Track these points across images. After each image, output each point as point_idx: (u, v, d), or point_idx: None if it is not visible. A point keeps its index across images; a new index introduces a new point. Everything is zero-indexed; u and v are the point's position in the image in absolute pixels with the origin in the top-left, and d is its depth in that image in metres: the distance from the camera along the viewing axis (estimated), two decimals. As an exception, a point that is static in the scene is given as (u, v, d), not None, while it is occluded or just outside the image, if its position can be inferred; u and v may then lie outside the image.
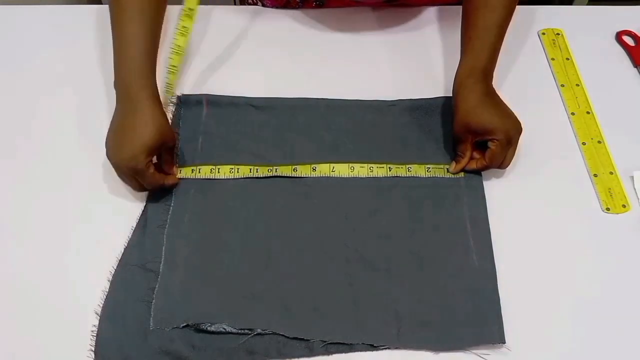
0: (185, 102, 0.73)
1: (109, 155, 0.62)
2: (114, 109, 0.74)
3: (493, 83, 0.68)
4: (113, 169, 0.63)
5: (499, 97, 0.67)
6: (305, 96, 0.73)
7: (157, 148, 0.62)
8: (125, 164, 0.61)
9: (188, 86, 0.75)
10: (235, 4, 0.86)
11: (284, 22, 0.82)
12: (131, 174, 0.62)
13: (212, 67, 0.77)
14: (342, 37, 0.81)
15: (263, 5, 0.86)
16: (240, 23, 0.82)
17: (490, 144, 0.64)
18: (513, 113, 0.66)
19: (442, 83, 0.76)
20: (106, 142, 0.63)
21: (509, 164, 0.66)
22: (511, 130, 0.64)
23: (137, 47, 0.65)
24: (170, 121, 0.71)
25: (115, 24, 0.67)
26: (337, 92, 0.74)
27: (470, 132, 0.65)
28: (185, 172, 0.66)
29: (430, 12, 0.84)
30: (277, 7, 0.84)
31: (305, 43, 0.80)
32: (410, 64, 0.78)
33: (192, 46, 0.80)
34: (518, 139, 0.65)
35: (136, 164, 0.60)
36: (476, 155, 0.66)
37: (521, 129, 0.65)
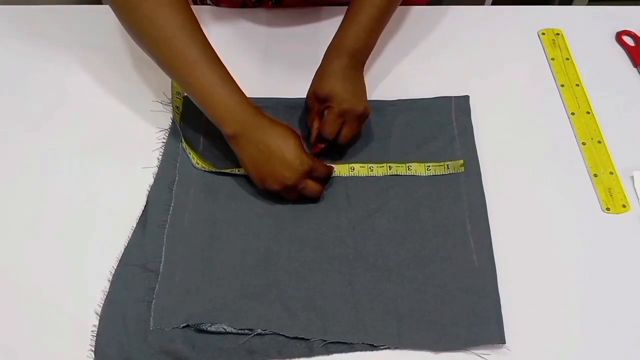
0: (186, 102, 0.73)
1: (270, 184, 0.62)
2: (114, 109, 0.74)
3: (491, 80, 0.67)
4: (111, 172, 0.63)
5: (359, 77, 0.67)
6: (305, 96, 0.73)
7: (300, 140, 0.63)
8: (297, 177, 0.61)
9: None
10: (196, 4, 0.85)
11: (280, 22, 0.83)
12: (302, 181, 0.62)
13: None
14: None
15: (217, 6, 0.85)
16: (240, 23, 0.82)
17: (325, 111, 0.65)
18: (364, 95, 0.66)
19: (442, 83, 0.76)
20: (258, 179, 0.62)
21: (345, 140, 0.66)
22: (347, 104, 0.64)
23: (217, 78, 0.62)
24: (170, 121, 0.71)
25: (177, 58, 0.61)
26: (337, 92, 0.74)
27: (316, 100, 0.66)
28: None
29: (431, 12, 0.84)
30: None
31: (306, 43, 0.80)
32: (411, 63, 0.78)
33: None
34: (356, 118, 0.65)
35: (305, 169, 0.61)
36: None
37: (363, 111, 0.65)
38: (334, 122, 0.65)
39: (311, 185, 0.63)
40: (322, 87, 0.65)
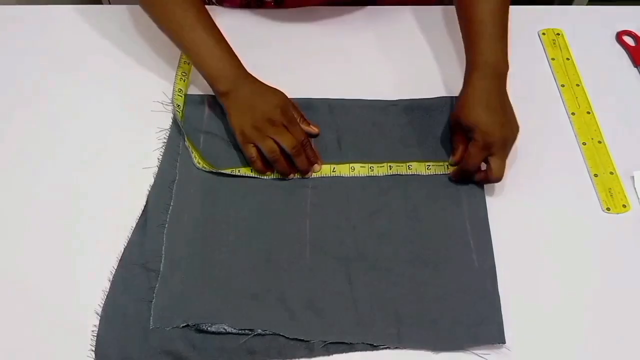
0: (187, 102, 0.73)
1: (249, 130, 0.65)
2: (114, 108, 0.74)
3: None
4: (111, 172, 0.63)
5: (504, 99, 0.65)
6: (306, 96, 0.73)
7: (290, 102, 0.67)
8: (278, 112, 0.65)
9: (189, 86, 0.75)
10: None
11: (282, 22, 0.83)
12: (284, 124, 0.65)
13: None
14: (342, 37, 0.81)
15: (220, 5, 0.85)
16: (240, 24, 0.82)
17: (469, 144, 0.63)
18: (512, 121, 0.64)
19: (442, 83, 0.76)
20: (239, 131, 0.66)
21: (497, 176, 0.62)
22: (493, 136, 0.61)
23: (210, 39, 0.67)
24: (171, 121, 0.71)
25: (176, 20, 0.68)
26: (337, 92, 0.74)
27: (459, 127, 0.65)
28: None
29: (431, 11, 0.84)
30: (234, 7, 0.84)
31: (306, 43, 0.80)
32: (411, 64, 0.78)
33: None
34: (503, 148, 0.62)
35: (287, 108, 0.65)
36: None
37: (510, 139, 0.63)
38: (477, 155, 0.62)
39: (285, 137, 0.64)
40: (466, 115, 0.63)
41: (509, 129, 0.63)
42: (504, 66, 0.65)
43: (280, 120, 0.65)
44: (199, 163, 0.66)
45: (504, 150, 0.63)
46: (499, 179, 0.63)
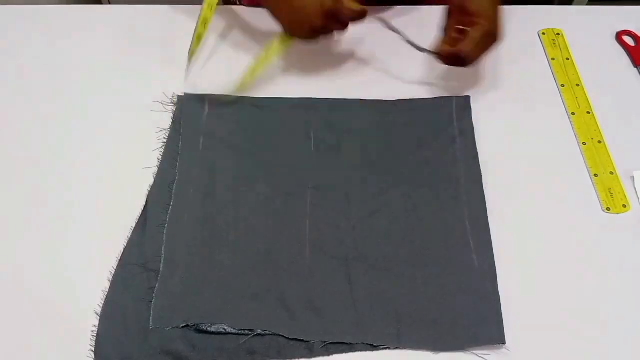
0: (186, 102, 0.73)
1: (297, 28, 0.66)
2: (114, 108, 0.74)
3: (491, 80, 0.68)
4: (111, 172, 0.63)
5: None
6: (307, 96, 0.73)
7: None
8: (319, 14, 0.64)
9: (189, 86, 0.75)
10: (236, 4, 0.86)
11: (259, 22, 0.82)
12: (328, 23, 0.65)
13: (212, 67, 0.77)
14: (342, 37, 0.80)
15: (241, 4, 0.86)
16: (241, 23, 0.82)
17: (471, 29, 0.65)
18: (502, 20, 0.67)
19: (442, 83, 0.76)
20: (283, 22, 0.67)
21: (470, 60, 0.66)
22: (495, 27, 0.65)
23: None
24: (171, 121, 0.71)
25: None
26: (338, 92, 0.74)
27: (460, 13, 0.66)
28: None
29: (432, 11, 0.84)
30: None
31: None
32: (411, 63, 0.78)
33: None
34: (491, 42, 0.66)
35: (328, 3, 0.64)
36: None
37: (501, 35, 0.66)
38: (479, 42, 0.65)
39: (336, 27, 0.66)
40: (472, 1, 0.65)
41: (502, 27, 0.66)
42: None
43: (326, 20, 0.66)
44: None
45: (493, 44, 0.66)
46: (468, 56, 0.65)
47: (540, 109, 0.74)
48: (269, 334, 0.56)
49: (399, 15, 0.83)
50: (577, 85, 0.76)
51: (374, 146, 0.69)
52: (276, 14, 0.70)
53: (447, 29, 0.68)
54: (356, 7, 0.66)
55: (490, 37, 0.66)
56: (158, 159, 0.68)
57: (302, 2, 0.66)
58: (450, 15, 0.69)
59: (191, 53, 0.74)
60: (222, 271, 0.60)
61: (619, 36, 0.81)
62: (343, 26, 0.69)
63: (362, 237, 0.62)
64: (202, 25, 0.73)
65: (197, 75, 0.76)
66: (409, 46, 0.73)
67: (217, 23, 0.82)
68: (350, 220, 0.63)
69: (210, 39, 0.80)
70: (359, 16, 0.67)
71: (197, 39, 0.73)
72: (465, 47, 0.65)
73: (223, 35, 0.80)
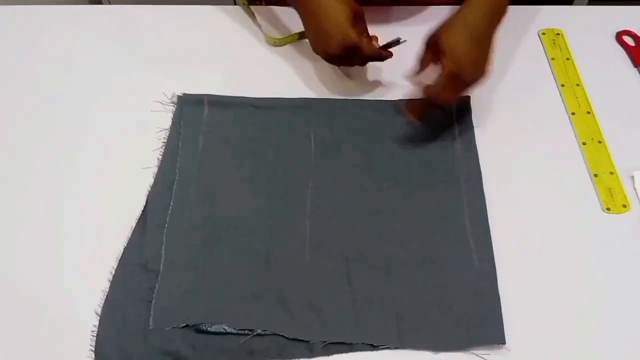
0: (186, 102, 0.73)
1: (319, 50, 0.67)
2: (114, 108, 0.74)
3: (491, 80, 0.66)
4: (111, 172, 0.63)
5: (490, 35, 0.64)
6: (307, 96, 0.73)
7: (354, 16, 0.65)
8: (340, 45, 0.65)
9: (189, 86, 0.75)
10: (235, 4, 0.86)
11: (284, 21, 0.83)
12: (349, 54, 0.65)
13: (212, 67, 0.77)
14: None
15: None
16: (241, 23, 0.82)
17: (441, 70, 0.63)
18: (487, 60, 0.64)
19: (442, 83, 0.76)
20: (310, 34, 0.69)
21: (439, 102, 0.64)
22: (462, 69, 0.62)
23: None
24: (171, 121, 0.71)
25: None
26: (338, 92, 0.74)
27: (435, 46, 0.64)
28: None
29: (432, 11, 0.84)
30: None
31: (306, 43, 0.79)
32: (411, 63, 0.78)
33: (192, 46, 0.80)
34: (464, 85, 0.63)
35: (350, 39, 0.65)
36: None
37: (477, 80, 0.63)
38: (446, 85, 0.62)
39: (356, 61, 0.67)
40: (447, 38, 0.63)
41: (480, 69, 0.63)
42: (503, 6, 0.65)
43: (346, 53, 0.67)
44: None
45: (464, 87, 0.64)
46: (443, 99, 0.64)
47: (540, 109, 0.74)
48: (269, 334, 0.56)
49: (401, 15, 0.83)
50: (577, 85, 0.76)
51: (374, 146, 0.69)
52: (305, 23, 0.71)
53: (422, 61, 0.67)
54: (375, 48, 0.68)
55: (459, 81, 0.63)
56: (158, 159, 0.68)
57: (327, 25, 0.66)
58: (427, 46, 0.67)
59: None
60: (222, 271, 0.60)
61: (619, 36, 0.81)
62: (362, 62, 0.70)
63: (362, 237, 0.62)
64: None
65: (196, 75, 0.76)
66: (408, 46, 0.72)
67: (217, 23, 0.82)
68: (350, 220, 0.63)
69: (210, 39, 0.80)
70: (378, 58, 0.68)
71: None
72: (430, 89, 0.64)
73: (223, 36, 0.80)
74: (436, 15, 0.82)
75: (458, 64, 0.62)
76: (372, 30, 0.72)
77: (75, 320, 0.57)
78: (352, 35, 0.65)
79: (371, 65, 0.77)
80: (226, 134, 0.70)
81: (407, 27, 0.82)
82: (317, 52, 0.70)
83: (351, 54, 0.67)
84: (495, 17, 0.65)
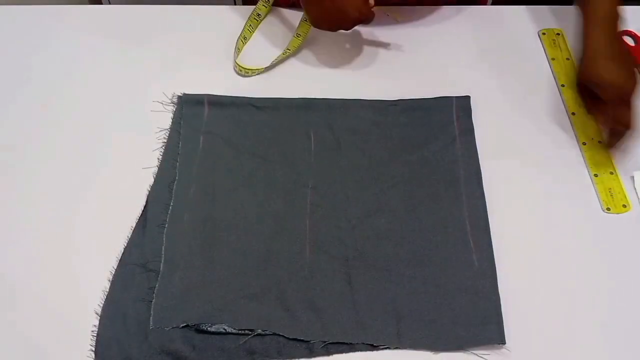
0: (186, 102, 0.73)
1: (331, 25, 0.70)
2: (114, 108, 0.74)
3: (491, 80, 0.68)
4: (111, 172, 0.63)
5: (621, 47, 0.67)
6: (307, 96, 0.73)
7: None
8: (357, 21, 0.69)
9: (189, 86, 0.75)
10: (235, 4, 0.86)
11: (284, 21, 0.83)
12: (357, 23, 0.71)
13: (212, 67, 0.77)
14: (343, 36, 0.80)
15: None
16: (240, 23, 0.81)
17: (605, 104, 0.66)
18: (631, 67, 0.66)
19: (442, 83, 0.75)
20: (313, 13, 0.71)
21: (625, 123, 0.65)
22: (625, 88, 0.64)
23: None
24: (171, 121, 0.71)
25: None
26: (338, 92, 0.74)
27: (589, 86, 0.67)
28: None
29: (432, 12, 0.84)
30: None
31: (306, 42, 0.79)
32: (411, 63, 0.78)
33: (192, 46, 0.80)
34: (630, 96, 0.64)
35: (366, 16, 0.69)
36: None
37: (633, 85, 0.64)
38: (615, 113, 0.65)
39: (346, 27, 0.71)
40: (589, 75, 0.66)
41: (632, 80, 0.65)
42: (618, 14, 0.67)
43: (351, 26, 0.72)
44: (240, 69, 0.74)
45: (630, 101, 0.65)
46: (625, 123, 0.65)
47: (540, 109, 0.74)
48: (269, 334, 0.56)
49: (412, 16, 0.83)
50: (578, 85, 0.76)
51: (374, 146, 0.69)
52: (307, 5, 0.72)
53: (588, 107, 0.70)
54: (374, 15, 0.71)
55: (624, 100, 0.65)
56: (158, 159, 0.68)
57: (341, 3, 0.68)
58: (582, 93, 0.71)
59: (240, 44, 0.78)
60: (222, 271, 0.60)
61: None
62: (351, 27, 0.73)
63: (362, 237, 0.62)
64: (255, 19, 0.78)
65: (196, 75, 0.76)
66: (408, 47, 0.73)
67: (217, 23, 0.82)
68: (350, 220, 0.63)
69: (211, 39, 0.80)
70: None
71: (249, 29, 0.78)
72: (610, 122, 0.66)
73: (223, 35, 0.80)
74: (420, 16, 0.82)
75: (613, 88, 0.65)
76: (378, 31, 0.72)
77: (75, 320, 0.57)
78: (367, 11, 0.70)
79: (371, 65, 0.78)
80: (226, 134, 0.70)
81: (413, 29, 0.82)
82: (320, 27, 0.73)
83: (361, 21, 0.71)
84: (616, 29, 0.67)
